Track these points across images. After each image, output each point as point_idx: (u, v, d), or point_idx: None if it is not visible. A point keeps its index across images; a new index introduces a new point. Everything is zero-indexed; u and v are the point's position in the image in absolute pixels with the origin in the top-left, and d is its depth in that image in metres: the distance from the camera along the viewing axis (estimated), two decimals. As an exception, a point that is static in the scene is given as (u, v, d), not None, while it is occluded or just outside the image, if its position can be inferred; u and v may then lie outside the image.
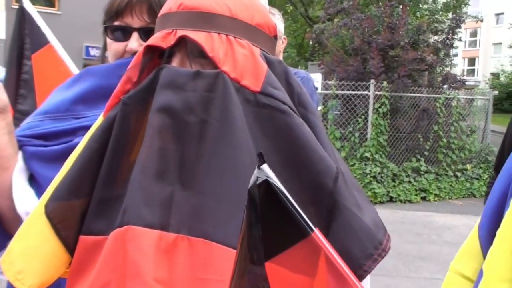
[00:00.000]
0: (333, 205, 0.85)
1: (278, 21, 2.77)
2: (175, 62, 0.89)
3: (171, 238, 0.81)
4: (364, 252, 0.85)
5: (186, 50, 0.89)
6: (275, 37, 0.97)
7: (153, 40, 0.89)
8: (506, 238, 0.69)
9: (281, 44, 2.78)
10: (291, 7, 20.09)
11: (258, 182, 0.63)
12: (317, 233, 0.65)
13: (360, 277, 0.85)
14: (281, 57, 2.86)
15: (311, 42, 12.46)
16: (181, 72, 0.86)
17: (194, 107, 0.84)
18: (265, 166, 0.64)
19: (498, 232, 0.72)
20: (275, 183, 0.64)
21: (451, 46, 11.52)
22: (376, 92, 9.54)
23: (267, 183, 0.63)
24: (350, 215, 0.86)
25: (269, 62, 0.91)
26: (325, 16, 11.42)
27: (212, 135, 0.84)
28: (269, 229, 0.64)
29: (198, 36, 0.86)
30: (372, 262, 0.85)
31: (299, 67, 16.82)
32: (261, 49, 0.91)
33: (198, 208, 0.81)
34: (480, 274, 0.72)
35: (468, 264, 0.78)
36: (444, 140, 9.96)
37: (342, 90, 9.81)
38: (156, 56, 0.92)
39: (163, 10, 0.93)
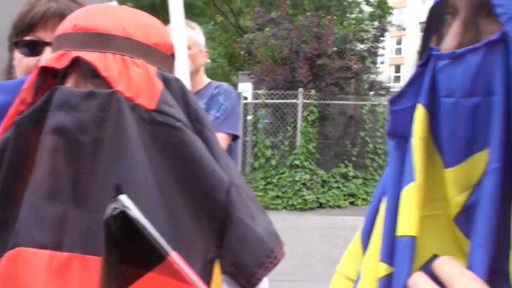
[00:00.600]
0: (226, 218, 0.89)
1: (198, 34, 2.81)
2: (69, 83, 0.90)
3: (64, 257, 0.82)
4: (256, 261, 0.90)
5: (80, 71, 0.90)
6: (173, 55, 1.01)
7: (47, 61, 0.90)
8: (375, 242, 0.74)
9: (202, 57, 2.85)
10: (221, 17, 20.20)
11: (114, 212, 0.66)
12: (174, 257, 0.69)
13: (253, 285, 0.90)
14: (202, 70, 2.89)
15: (242, 52, 12.55)
16: (74, 92, 0.87)
17: (88, 126, 0.85)
18: (122, 197, 0.67)
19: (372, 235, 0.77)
20: (131, 213, 0.67)
21: (376, 54, 11.95)
22: (305, 101, 9.75)
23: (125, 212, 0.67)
24: (243, 226, 0.91)
25: (165, 81, 0.93)
26: (254, 26, 11.59)
27: (106, 153, 0.85)
28: (130, 255, 0.67)
29: (92, 56, 0.88)
30: (264, 270, 0.90)
31: (231, 76, 16.95)
32: (158, 68, 0.94)
33: (92, 226, 0.82)
34: (359, 276, 0.77)
35: (352, 266, 0.82)
36: (371, 145, 10.28)
37: (272, 99, 9.97)
38: (50, 77, 0.93)
39: (58, 31, 0.94)
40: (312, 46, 10.17)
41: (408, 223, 0.66)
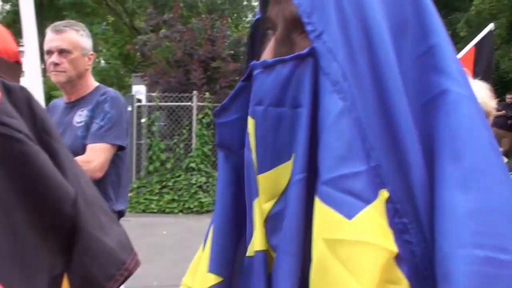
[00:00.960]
0: (74, 231, 0.87)
1: (81, 37, 2.69)
2: None
3: None
4: (106, 274, 0.88)
5: None
6: (18, 62, 0.96)
7: None
8: (206, 252, 0.76)
9: (87, 61, 2.72)
10: (114, 18, 19.69)
11: None
12: None
13: (104, 299, 0.88)
14: (88, 75, 2.76)
15: (138, 54, 12.31)
16: None
17: None
18: None
19: None
20: None
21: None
22: (199, 103, 9.74)
23: None
24: (91, 239, 0.88)
25: (7, 89, 0.89)
26: (146, 28, 11.41)
27: None
28: None
29: None
30: (114, 283, 0.88)
31: (125, 78, 16.57)
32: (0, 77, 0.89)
33: None
34: None
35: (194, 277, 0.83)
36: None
37: (166, 101, 9.86)
38: None
39: None
40: (205, 49, 10.18)
41: (259, 239, 0.67)
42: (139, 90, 10.58)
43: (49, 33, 2.66)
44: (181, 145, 9.72)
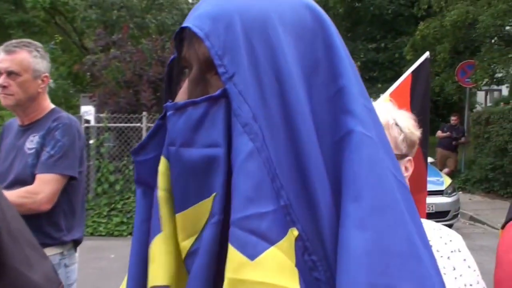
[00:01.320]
0: None
1: (34, 58, 2.54)
2: None
3: None
4: None
5: None
6: None
7: None
8: None
9: (40, 84, 2.56)
10: (62, 37, 19.38)
11: None
12: None
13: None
14: (42, 98, 2.60)
15: (88, 74, 12.13)
16: None
17: None
18: None
19: None
20: None
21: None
22: (149, 124, 9.64)
23: None
24: (16, 274, 0.87)
25: None
26: (94, 48, 11.29)
27: None
28: None
29: None
30: None
31: (72, 99, 16.29)
32: None
33: None
34: None
35: None
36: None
37: (115, 122, 9.74)
38: None
39: None
40: (155, 69, 10.13)
41: (161, 274, 0.68)
42: (88, 111, 10.41)
43: (0, 53, 2.51)
44: (131, 167, 9.57)
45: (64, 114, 2.64)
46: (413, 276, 0.61)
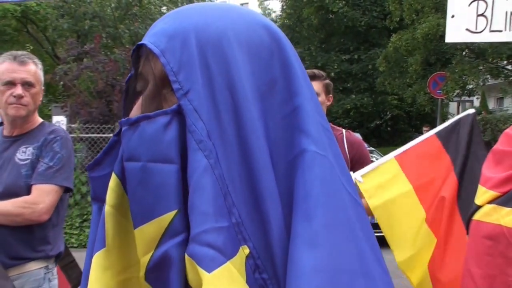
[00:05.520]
0: None
1: (41, 71, 2.56)
2: None
3: None
4: None
5: None
6: None
7: None
8: None
9: (41, 96, 2.57)
10: (33, 46, 19.17)
11: None
12: None
13: None
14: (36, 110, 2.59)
15: (62, 83, 11.99)
16: None
17: None
18: None
19: None
20: None
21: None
22: (122, 135, 9.59)
23: None
24: None
25: None
26: (66, 57, 11.17)
27: None
28: None
29: None
30: None
31: (44, 108, 16.04)
32: None
33: None
34: None
35: None
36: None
37: (87, 133, 9.63)
38: None
39: None
40: (129, 79, 10.08)
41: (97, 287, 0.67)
42: (60, 121, 10.28)
43: (8, 63, 2.47)
44: (103, 178, 9.49)
45: (58, 127, 2.68)
46: None
